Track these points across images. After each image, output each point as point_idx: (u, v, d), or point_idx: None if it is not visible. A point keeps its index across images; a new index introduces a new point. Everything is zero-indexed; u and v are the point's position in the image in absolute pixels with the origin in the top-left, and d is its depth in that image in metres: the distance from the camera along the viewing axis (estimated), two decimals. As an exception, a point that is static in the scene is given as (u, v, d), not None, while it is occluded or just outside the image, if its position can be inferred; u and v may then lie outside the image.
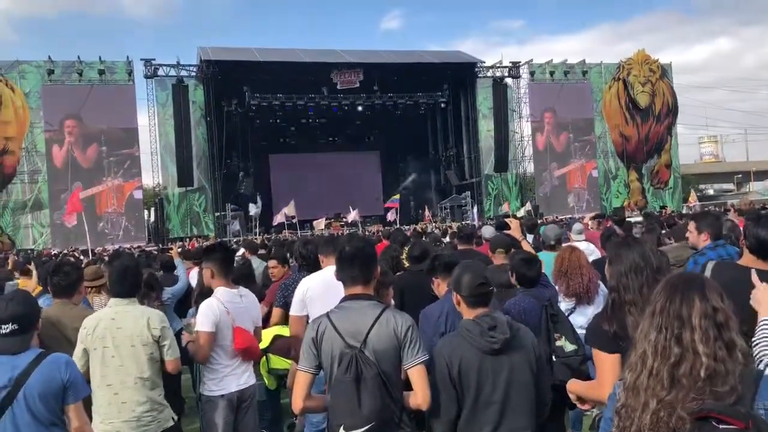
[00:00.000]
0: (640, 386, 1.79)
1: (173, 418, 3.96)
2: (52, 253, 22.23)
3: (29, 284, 6.37)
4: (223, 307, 4.12)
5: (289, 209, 27.50)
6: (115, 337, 3.74)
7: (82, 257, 15.39)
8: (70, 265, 4.68)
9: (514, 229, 5.77)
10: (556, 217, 28.50)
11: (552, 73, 36.97)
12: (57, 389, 3.04)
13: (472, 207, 33.02)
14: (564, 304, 4.72)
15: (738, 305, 1.89)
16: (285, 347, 4.75)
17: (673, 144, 39.93)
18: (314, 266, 5.06)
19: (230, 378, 4.14)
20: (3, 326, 3.02)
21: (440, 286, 4.33)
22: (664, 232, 8.38)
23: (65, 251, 21.93)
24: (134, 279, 4.09)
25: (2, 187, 28.77)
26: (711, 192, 70.38)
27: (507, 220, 6.46)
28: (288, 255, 6.87)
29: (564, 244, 6.11)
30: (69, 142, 29.53)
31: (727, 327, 1.77)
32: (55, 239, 28.77)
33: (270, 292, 5.72)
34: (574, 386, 3.08)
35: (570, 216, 24.01)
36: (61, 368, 3.10)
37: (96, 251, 18.57)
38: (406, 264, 5.69)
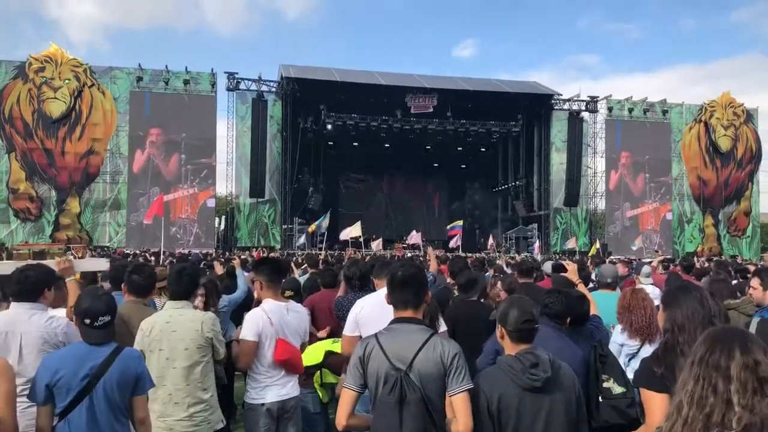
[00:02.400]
0: None
1: (222, 421, 4.10)
2: (125, 252, 23.13)
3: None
4: (266, 318, 4.19)
5: (355, 230, 27.65)
6: (169, 340, 3.89)
7: (152, 259, 15.95)
8: (149, 267, 4.91)
9: (571, 272, 5.72)
10: (625, 258, 27.76)
11: (631, 110, 36.20)
12: (131, 380, 3.30)
13: (537, 240, 32.51)
14: (627, 348, 4.66)
15: None
16: (337, 364, 4.83)
17: (754, 191, 38.30)
18: (360, 287, 5.14)
19: (272, 388, 4.21)
20: (100, 318, 3.28)
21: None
22: (735, 282, 8.07)
23: (137, 251, 22.79)
24: (190, 281, 4.22)
25: (86, 185, 30.21)
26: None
27: (564, 262, 6.43)
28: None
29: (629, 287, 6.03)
30: (150, 151, 30.85)
31: None
32: (130, 239, 29.92)
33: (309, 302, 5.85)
34: None
35: (638, 259, 23.36)
36: (135, 361, 3.38)
37: (166, 253, 19.22)
38: (456, 293, 5.70)
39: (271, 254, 23.40)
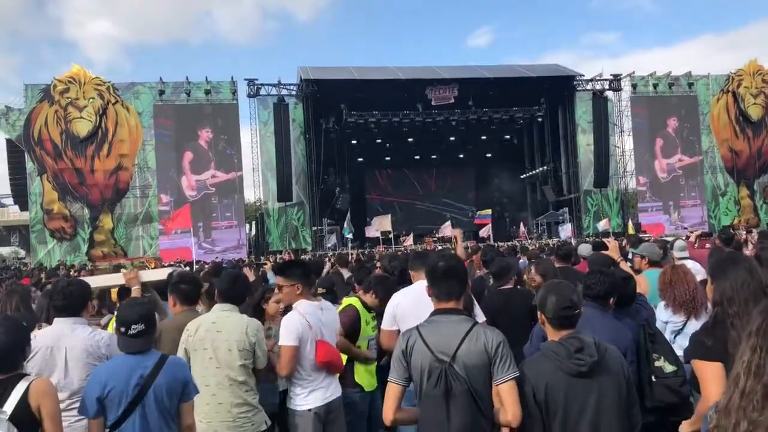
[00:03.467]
0: (732, 407, 1.74)
1: (267, 422, 4.10)
2: (161, 264, 23.39)
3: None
4: (305, 321, 4.11)
5: (386, 223, 27.78)
6: (214, 340, 3.92)
7: (187, 268, 16.12)
8: (193, 275, 4.98)
9: (612, 250, 5.64)
10: (659, 236, 27.35)
11: (655, 86, 35.50)
12: (179, 387, 3.35)
13: (569, 223, 32.16)
14: (672, 325, 4.58)
15: None
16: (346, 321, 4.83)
17: (790, 158, 37.39)
18: (399, 281, 5.10)
19: (316, 392, 4.14)
20: (132, 326, 3.30)
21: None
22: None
23: (171, 263, 23.05)
24: (243, 288, 4.33)
25: (117, 200, 30.66)
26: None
27: (605, 240, 6.33)
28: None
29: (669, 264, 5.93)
30: (185, 163, 31.18)
31: None
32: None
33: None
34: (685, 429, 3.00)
35: (673, 236, 23.00)
36: (182, 368, 3.46)
37: (200, 263, 19.43)
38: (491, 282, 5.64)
39: (302, 256, 23.51)
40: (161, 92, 31.15)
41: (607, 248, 5.87)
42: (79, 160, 29.94)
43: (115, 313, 3.61)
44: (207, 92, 31.52)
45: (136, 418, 3.22)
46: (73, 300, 3.90)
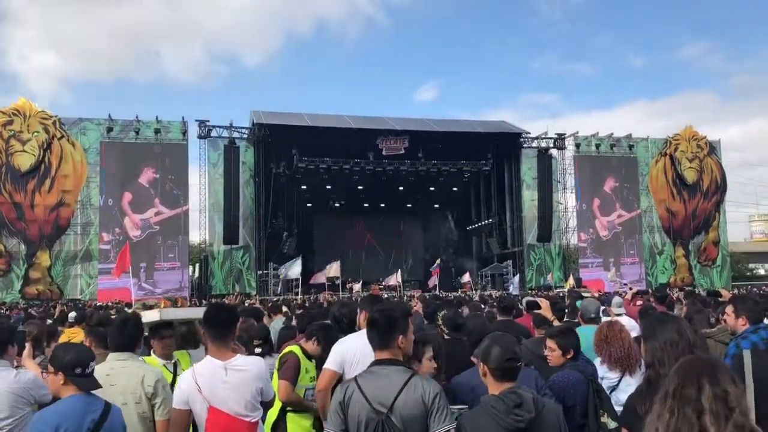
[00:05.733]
0: None
1: None
2: (97, 304, 22.67)
3: (80, 335, 6.50)
4: (193, 383, 3.53)
5: (334, 270, 27.62)
6: (107, 394, 3.59)
7: (126, 310, 15.65)
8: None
9: (545, 309, 5.77)
10: (599, 291, 27.99)
11: (598, 146, 36.90)
12: None
13: (513, 276, 32.63)
14: (607, 381, 4.68)
15: None
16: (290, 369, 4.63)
17: (721, 221, 39.08)
18: (348, 330, 4.86)
19: None
20: (90, 364, 3.24)
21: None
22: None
23: (110, 303, 22.37)
24: (134, 332, 4.01)
25: (56, 237, 29.73)
26: (762, 272, 68.08)
27: (538, 299, 6.47)
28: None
29: (604, 319, 6.10)
30: (124, 203, 30.55)
31: (739, 409, 1.79)
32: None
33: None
34: None
35: (608, 292, 23.56)
36: (120, 415, 3.35)
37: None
38: (444, 330, 5.64)
39: (248, 301, 23.13)
40: (109, 129, 30.70)
41: (540, 307, 6.00)
42: (18, 195, 29.06)
43: (56, 355, 3.41)
44: (157, 131, 31.21)
45: None
46: None
